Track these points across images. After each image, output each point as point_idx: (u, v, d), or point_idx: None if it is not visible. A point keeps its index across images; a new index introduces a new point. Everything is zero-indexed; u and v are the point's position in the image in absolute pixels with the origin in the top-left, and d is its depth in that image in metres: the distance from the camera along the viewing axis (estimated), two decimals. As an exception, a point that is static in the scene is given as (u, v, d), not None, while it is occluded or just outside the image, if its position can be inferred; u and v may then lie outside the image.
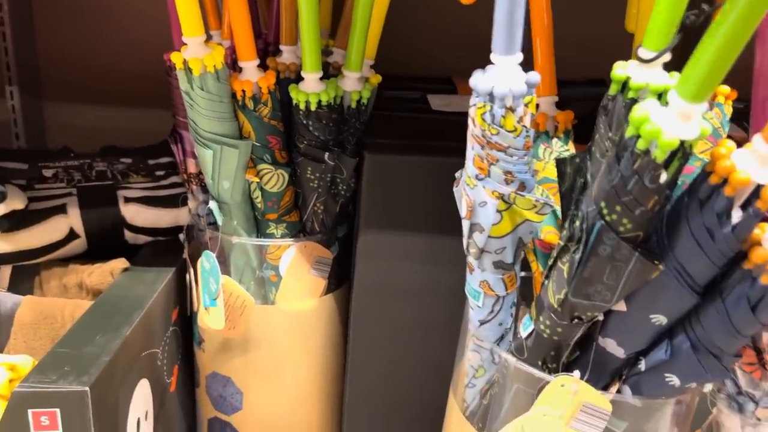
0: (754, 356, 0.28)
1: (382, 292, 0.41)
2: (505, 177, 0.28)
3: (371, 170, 0.39)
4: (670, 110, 0.21)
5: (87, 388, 0.31)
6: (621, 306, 0.25)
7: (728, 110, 0.31)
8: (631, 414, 0.28)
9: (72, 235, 0.45)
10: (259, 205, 0.41)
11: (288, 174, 0.40)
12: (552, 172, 0.32)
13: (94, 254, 0.46)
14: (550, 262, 0.27)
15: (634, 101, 0.25)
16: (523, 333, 0.29)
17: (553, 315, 0.27)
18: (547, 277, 0.27)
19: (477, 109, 0.27)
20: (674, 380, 0.26)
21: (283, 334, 0.44)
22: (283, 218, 0.41)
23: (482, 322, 0.31)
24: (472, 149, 0.28)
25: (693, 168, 0.31)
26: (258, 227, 0.42)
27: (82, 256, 0.46)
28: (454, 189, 0.32)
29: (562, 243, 0.26)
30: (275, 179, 0.39)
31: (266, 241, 0.42)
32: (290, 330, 0.44)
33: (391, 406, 0.44)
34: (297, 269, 0.43)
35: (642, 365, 0.27)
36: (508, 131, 0.26)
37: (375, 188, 0.40)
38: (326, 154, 0.39)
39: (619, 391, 0.28)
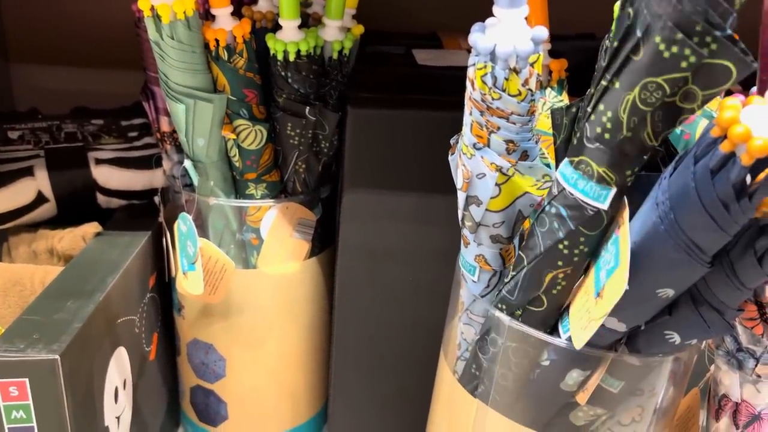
0: (755, 311, 0.27)
1: (368, 253, 0.40)
2: (506, 146, 0.25)
3: (355, 125, 0.37)
4: (764, 110, 0.19)
5: (57, 357, 0.29)
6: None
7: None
8: (628, 373, 0.27)
9: (40, 199, 0.43)
10: (236, 164, 0.39)
11: (267, 130, 0.38)
12: (546, 124, 0.31)
13: (66, 219, 0.44)
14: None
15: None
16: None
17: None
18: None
19: (476, 70, 0.24)
20: (675, 337, 0.25)
21: (266, 299, 0.43)
22: (262, 178, 0.39)
23: (477, 297, 0.30)
24: (470, 115, 0.26)
25: (693, 117, 0.29)
26: (236, 188, 0.40)
27: (53, 221, 0.44)
28: (450, 157, 0.30)
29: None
30: (253, 136, 0.37)
31: (245, 202, 0.40)
32: (273, 294, 0.43)
33: (378, 368, 0.43)
34: (279, 232, 0.41)
35: (642, 325, 0.26)
36: (512, 95, 0.24)
37: (359, 145, 0.38)
38: (307, 109, 0.37)
39: (616, 350, 0.27)
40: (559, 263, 0.25)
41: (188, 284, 0.40)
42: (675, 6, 0.19)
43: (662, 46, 0.20)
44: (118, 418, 0.37)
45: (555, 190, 0.25)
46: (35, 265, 0.39)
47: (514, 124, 0.25)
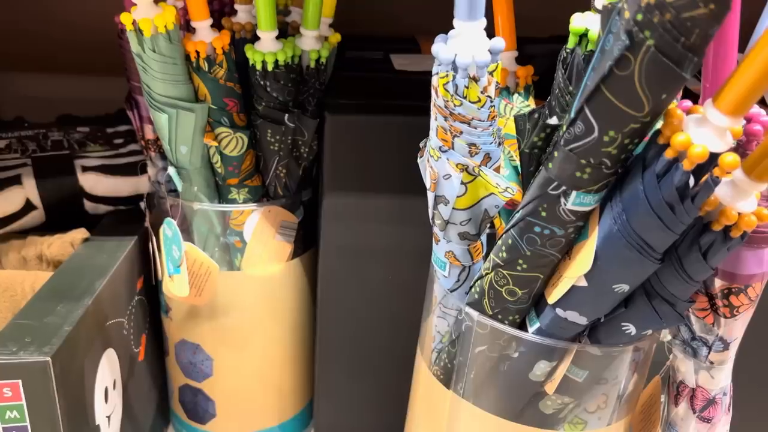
0: (706, 302, 0.29)
1: (349, 254, 0.41)
2: (469, 149, 0.27)
3: (333, 131, 0.39)
4: (703, 120, 0.20)
5: (48, 359, 0.31)
6: (581, 281, 0.25)
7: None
8: (592, 363, 0.29)
9: (29, 207, 0.44)
10: (219, 170, 0.40)
11: (247, 137, 0.39)
12: (513, 128, 0.32)
13: (54, 225, 0.45)
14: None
15: (593, 53, 0.25)
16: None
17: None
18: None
19: (439, 78, 0.26)
20: (631, 329, 0.27)
21: (251, 300, 0.44)
22: (244, 183, 0.41)
23: (449, 291, 0.32)
24: (435, 120, 0.27)
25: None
26: (219, 193, 0.42)
27: (41, 227, 0.45)
28: (419, 160, 0.31)
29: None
30: (234, 143, 0.39)
31: (229, 206, 0.41)
32: (258, 295, 0.44)
33: (362, 366, 0.44)
34: (262, 234, 0.42)
35: (601, 318, 0.28)
36: (472, 102, 0.26)
37: (337, 150, 0.39)
38: (286, 116, 0.38)
39: (579, 342, 0.29)
40: (478, 337, 0.29)
41: (174, 287, 0.41)
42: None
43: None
44: (108, 417, 0.39)
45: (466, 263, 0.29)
46: (26, 271, 0.40)
47: (476, 128, 0.26)
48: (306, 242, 0.45)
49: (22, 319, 0.34)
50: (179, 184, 0.40)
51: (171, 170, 0.39)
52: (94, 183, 0.45)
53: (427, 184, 0.29)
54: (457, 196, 0.28)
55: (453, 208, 0.28)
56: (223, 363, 0.45)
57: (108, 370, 0.38)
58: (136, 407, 0.44)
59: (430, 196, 0.29)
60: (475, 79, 0.25)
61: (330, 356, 0.45)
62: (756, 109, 0.25)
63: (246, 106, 0.39)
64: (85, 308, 0.35)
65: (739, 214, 0.22)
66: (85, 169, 0.45)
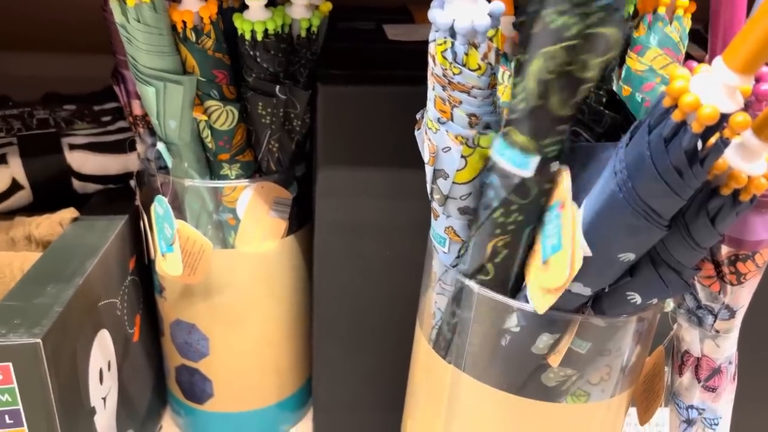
0: (712, 269, 0.28)
1: (345, 229, 0.41)
2: (469, 120, 0.26)
3: (326, 103, 0.37)
4: (712, 79, 0.19)
5: (39, 340, 0.30)
6: (586, 251, 0.24)
7: (687, 23, 0.30)
8: (595, 334, 0.28)
9: (15, 186, 0.43)
10: (210, 145, 0.39)
11: (238, 110, 0.38)
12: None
13: (42, 206, 0.44)
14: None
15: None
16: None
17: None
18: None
19: (437, 45, 0.25)
20: (636, 298, 0.26)
21: (246, 278, 0.43)
22: (236, 158, 0.40)
23: (448, 267, 0.31)
24: (432, 90, 0.26)
25: (653, 84, 0.30)
26: (211, 169, 0.41)
27: (29, 208, 0.45)
28: (416, 132, 0.30)
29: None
30: (224, 116, 0.38)
31: (220, 183, 0.40)
32: (252, 273, 0.43)
33: (359, 342, 0.44)
34: (255, 211, 0.41)
35: (605, 288, 0.27)
36: (472, 70, 0.24)
37: (331, 122, 0.38)
38: (277, 88, 0.37)
39: (582, 313, 0.28)
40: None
41: (167, 266, 0.40)
42: None
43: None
44: (104, 399, 0.38)
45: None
46: (14, 252, 0.39)
47: (476, 98, 0.25)
48: (301, 219, 0.44)
49: (11, 301, 0.33)
50: (169, 160, 0.39)
51: (160, 146, 0.38)
52: (81, 161, 0.44)
53: (426, 157, 0.29)
54: (457, 170, 0.27)
55: (453, 182, 0.28)
56: (219, 342, 0.45)
57: (102, 352, 0.38)
58: (132, 389, 0.43)
59: (429, 170, 0.28)
60: (475, 45, 0.24)
61: (327, 333, 0.44)
62: (766, 69, 0.24)
63: (236, 78, 0.38)
64: (75, 288, 0.34)
65: (749, 177, 0.22)
66: (72, 147, 0.44)
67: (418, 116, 0.30)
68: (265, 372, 0.47)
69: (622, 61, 0.29)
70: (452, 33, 0.24)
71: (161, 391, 0.50)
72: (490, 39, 0.25)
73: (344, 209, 0.40)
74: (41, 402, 0.31)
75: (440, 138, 0.27)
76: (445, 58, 0.25)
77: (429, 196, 0.30)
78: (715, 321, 0.29)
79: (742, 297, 0.29)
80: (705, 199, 0.23)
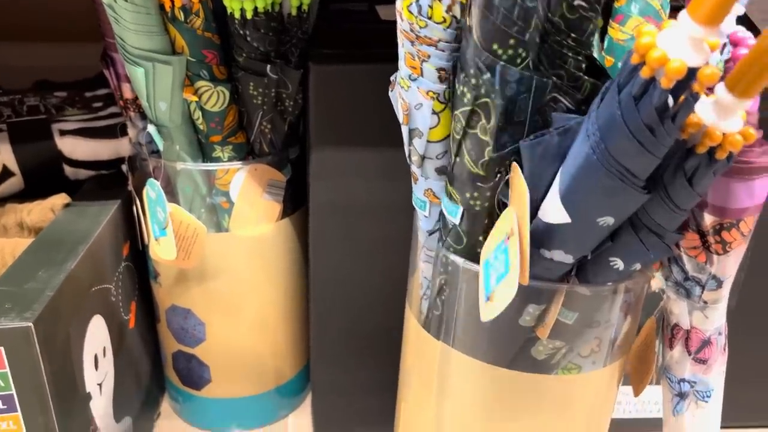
0: (698, 240, 0.28)
1: (339, 210, 0.40)
2: (438, 74, 0.26)
3: (317, 82, 0.37)
4: (678, 33, 0.19)
5: (30, 324, 0.30)
6: (564, 218, 0.24)
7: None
8: (581, 304, 0.28)
9: (6, 173, 0.42)
10: (201, 127, 0.38)
11: (228, 91, 0.37)
12: None
13: (33, 193, 0.44)
14: (457, 137, 0.26)
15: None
16: (455, 219, 0.28)
17: (479, 183, 0.26)
18: (457, 154, 0.27)
19: (403, 1, 0.25)
20: (618, 263, 0.26)
21: (241, 262, 0.43)
22: (228, 140, 0.39)
23: (431, 232, 0.31)
24: (402, 47, 0.27)
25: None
26: (203, 152, 0.40)
27: (21, 195, 0.44)
28: (390, 93, 0.30)
29: (467, 110, 0.25)
30: (215, 97, 0.37)
31: (213, 165, 0.40)
32: (248, 257, 0.43)
33: (356, 324, 0.44)
34: (249, 194, 0.41)
35: (588, 254, 0.27)
36: (437, 23, 0.25)
37: (323, 102, 0.38)
38: (268, 67, 0.37)
39: (567, 282, 0.28)
40: (441, 269, 0.30)
41: (161, 250, 0.40)
42: (464, 53, 0.24)
43: (457, 84, 0.25)
44: (100, 385, 0.38)
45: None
46: (5, 239, 0.39)
47: (443, 51, 0.25)
48: (295, 202, 0.44)
49: (2, 286, 0.32)
50: (160, 143, 0.39)
51: (151, 128, 0.38)
52: (72, 147, 0.44)
53: (400, 117, 0.29)
54: (431, 128, 0.27)
55: (427, 141, 0.28)
56: (216, 327, 0.44)
57: (96, 337, 0.37)
58: (129, 375, 0.43)
59: (405, 130, 0.29)
60: None
61: (324, 316, 0.44)
62: (744, 33, 0.24)
63: (226, 58, 0.37)
64: (67, 273, 0.34)
65: (724, 134, 0.21)
66: (62, 132, 0.44)
67: (392, 78, 0.30)
68: (262, 357, 0.47)
69: (604, 31, 0.29)
70: None
71: (159, 378, 0.50)
72: None
73: (339, 190, 0.40)
74: (35, 387, 0.31)
75: (412, 95, 0.27)
76: (410, 12, 0.25)
77: (407, 159, 0.30)
78: (702, 292, 0.29)
79: (728, 266, 0.28)
80: (682, 159, 0.22)
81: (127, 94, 0.41)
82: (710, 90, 0.21)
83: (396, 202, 0.40)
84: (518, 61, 0.23)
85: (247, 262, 0.43)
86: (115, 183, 0.45)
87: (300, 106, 0.40)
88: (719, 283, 0.28)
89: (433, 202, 0.30)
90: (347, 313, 0.43)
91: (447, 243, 0.29)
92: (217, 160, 0.40)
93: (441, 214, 0.30)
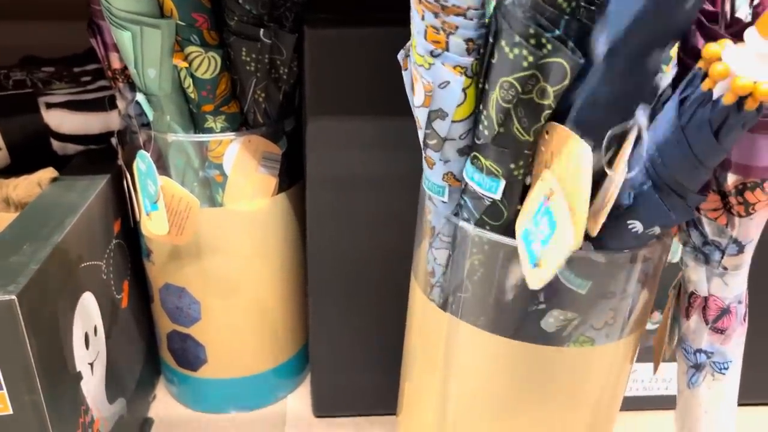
0: (719, 201, 0.26)
1: (337, 183, 0.39)
2: (466, 46, 0.24)
3: (313, 47, 0.35)
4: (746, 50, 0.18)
5: (14, 297, 0.28)
6: None
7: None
8: (595, 271, 0.26)
9: (-9, 148, 0.41)
10: (192, 96, 0.37)
11: (220, 57, 0.36)
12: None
13: (21, 168, 0.42)
14: (506, 106, 0.24)
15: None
16: (495, 195, 0.26)
17: (527, 150, 0.25)
18: (502, 124, 0.25)
19: None
20: (637, 226, 0.24)
21: (236, 238, 0.42)
22: (220, 109, 0.38)
23: (449, 217, 0.29)
24: (422, 21, 0.24)
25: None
26: (195, 122, 0.39)
27: (7, 170, 0.43)
28: (404, 72, 0.28)
29: (524, 75, 0.23)
30: (207, 64, 0.36)
31: (205, 136, 0.38)
32: (243, 233, 0.42)
33: (355, 297, 0.42)
34: (243, 167, 0.40)
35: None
36: None
37: (319, 68, 0.36)
38: (261, 31, 0.35)
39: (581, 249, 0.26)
40: (474, 250, 0.27)
41: (153, 225, 0.38)
42: (512, 13, 0.22)
43: (506, 49, 0.23)
44: (91, 364, 0.37)
45: (463, 184, 0.27)
46: (-10, 214, 0.37)
47: (472, 19, 0.23)
48: (292, 176, 0.42)
49: (-15, 260, 0.31)
50: (150, 113, 0.37)
51: (140, 97, 0.36)
52: (60, 120, 0.42)
53: (418, 100, 0.26)
54: (457, 105, 0.25)
55: (452, 122, 0.26)
56: (211, 306, 0.43)
57: (86, 315, 0.36)
58: (122, 357, 0.42)
59: (422, 113, 0.26)
60: None
61: (323, 294, 0.43)
62: None
63: (217, 22, 0.36)
64: (53, 247, 0.32)
65: (755, 82, 0.20)
66: (49, 105, 0.42)
67: (401, 57, 0.28)
68: (260, 336, 0.45)
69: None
70: None
71: (154, 360, 0.49)
72: None
73: (336, 162, 0.38)
74: (20, 364, 0.29)
75: (436, 73, 0.25)
76: None
77: (422, 143, 0.28)
78: (722, 257, 0.28)
79: (751, 230, 0.27)
80: (707, 110, 0.21)
81: (116, 64, 0.39)
82: (738, 37, 0.20)
83: (396, 174, 0.39)
84: (571, 11, 0.22)
85: (242, 238, 0.42)
86: (104, 158, 0.43)
87: (295, 73, 0.38)
88: (741, 248, 0.27)
89: (452, 185, 0.28)
90: (346, 290, 0.42)
91: (481, 221, 0.27)
92: (210, 130, 0.38)
93: (464, 194, 0.28)
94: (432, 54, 0.24)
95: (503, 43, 0.23)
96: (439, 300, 0.30)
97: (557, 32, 0.22)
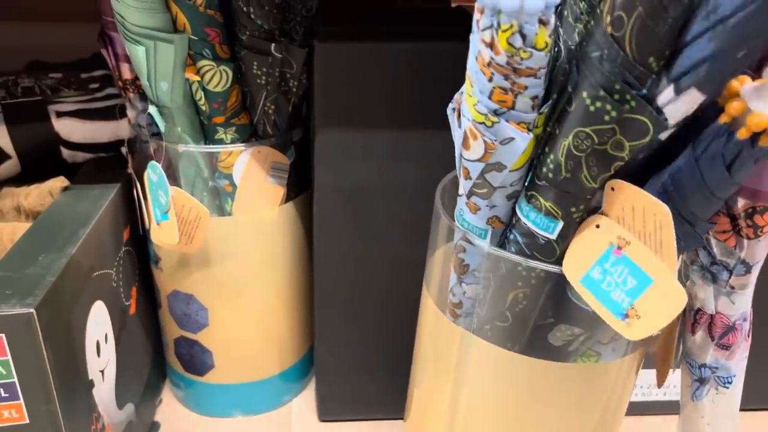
0: (728, 223, 0.27)
1: (345, 194, 0.39)
2: (532, 103, 0.24)
3: (323, 61, 0.36)
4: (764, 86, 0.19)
5: (32, 310, 0.29)
6: None
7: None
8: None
9: (2, 156, 0.41)
10: (203, 108, 0.37)
11: (232, 70, 0.36)
12: None
13: (31, 176, 0.43)
14: (579, 154, 0.24)
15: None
16: (551, 235, 0.26)
17: (589, 195, 0.25)
18: (572, 170, 0.25)
19: (500, 32, 0.21)
20: None
21: (244, 246, 0.42)
22: (231, 121, 0.38)
23: (486, 254, 0.29)
24: (489, 82, 0.23)
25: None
26: (205, 133, 0.39)
27: (17, 178, 0.43)
28: (453, 126, 0.28)
29: (606, 128, 0.23)
30: (218, 77, 0.36)
31: (215, 147, 0.39)
32: (251, 241, 0.42)
33: (361, 306, 0.43)
34: (252, 177, 0.40)
35: None
36: (540, 50, 0.22)
37: (328, 81, 0.37)
38: (272, 46, 0.35)
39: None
40: (519, 283, 0.28)
41: (163, 234, 0.39)
42: (598, 67, 0.22)
43: (588, 101, 0.22)
44: (102, 371, 0.37)
45: (514, 220, 0.27)
46: (3, 223, 0.38)
47: (541, 78, 0.23)
48: (300, 185, 0.43)
49: (2, 271, 0.32)
50: (161, 125, 0.37)
51: (152, 109, 0.37)
52: (70, 129, 0.43)
53: (474, 154, 0.25)
54: (517, 157, 0.25)
55: (509, 172, 0.25)
56: (219, 312, 0.44)
57: (98, 323, 0.37)
58: (130, 362, 0.42)
59: (476, 166, 0.26)
60: (544, 23, 0.21)
61: (329, 301, 0.43)
62: None
63: (229, 36, 0.36)
64: (68, 258, 0.33)
65: None
66: (59, 114, 0.43)
67: (448, 112, 0.28)
68: (266, 342, 0.46)
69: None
70: (518, 14, 0.21)
71: (161, 364, 0.49)
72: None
73: (344, 173, 0.39)
74: (37, 374, 0.30)
75: (499, 131, 0.24)
76: (510, 44, 0.21)
77: (465, 192, 0.27)
78: (730, 277, 0.28)
79: (759, 251, 0.28)
80: (722, 144, 0.22)
81: (126, 74, 0.40)
82: (757, 73, 0.21)
83: (401, 184, 0.39)
84: (658, 71, 0.21)
85: (250, 246, 0.42)
86: (114, 165, 0.44)
87: (304, 86, 0.39)
88: (748, 269, 0.28)
89: (496, 227, 0.28)
90: (351, 297, 0.43)
91: (532, 257, 0.27)
92: (220, 142, 0.39)
93: (514, 229, 0.28)
94: (496, 113, 0.24)
95: (584, 94, 0.22)
96: (469, 327, 0.30)
97: (643, 91, 0.21)
